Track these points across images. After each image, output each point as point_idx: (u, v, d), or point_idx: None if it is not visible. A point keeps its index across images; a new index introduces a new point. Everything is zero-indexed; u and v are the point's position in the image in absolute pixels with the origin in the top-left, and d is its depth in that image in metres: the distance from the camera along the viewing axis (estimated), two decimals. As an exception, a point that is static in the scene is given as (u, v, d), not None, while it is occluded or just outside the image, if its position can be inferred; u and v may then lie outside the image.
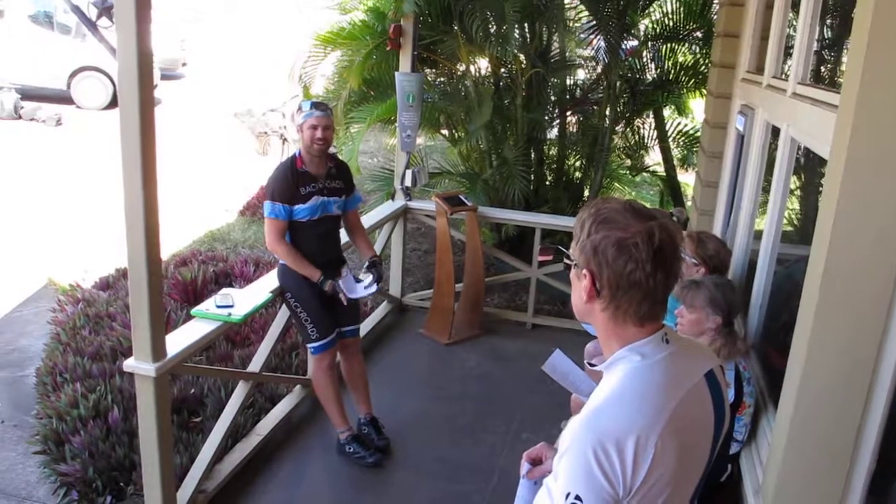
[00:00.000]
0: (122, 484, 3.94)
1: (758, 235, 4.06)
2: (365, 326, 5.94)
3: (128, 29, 2.78)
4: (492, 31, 7.05)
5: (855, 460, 2.26)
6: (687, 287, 3.34)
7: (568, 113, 8.30)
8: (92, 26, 11.77)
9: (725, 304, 3.26)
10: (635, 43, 8.02)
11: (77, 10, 12.31)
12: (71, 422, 4.26)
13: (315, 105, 4.08)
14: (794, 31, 3.69)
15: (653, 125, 8.65)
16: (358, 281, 4.34)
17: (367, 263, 4.38)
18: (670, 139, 8.60)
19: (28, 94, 14.78)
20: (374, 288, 4.33)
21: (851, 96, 2.08)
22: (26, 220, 8.71)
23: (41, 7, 15.98)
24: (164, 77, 17.34)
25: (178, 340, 3.48)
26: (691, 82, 8.09)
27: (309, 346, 4.28)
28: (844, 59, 2.98)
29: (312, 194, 4.07)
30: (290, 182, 4.02)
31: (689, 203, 7.59)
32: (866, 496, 2.27)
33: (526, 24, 7.48)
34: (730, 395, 3.10)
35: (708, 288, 3.29)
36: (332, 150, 4.33)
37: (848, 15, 3.03)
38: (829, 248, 2.15)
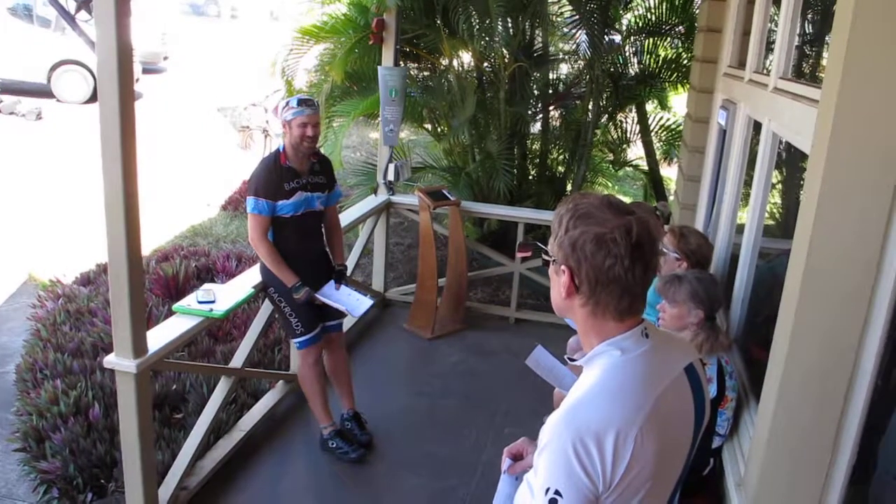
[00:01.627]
0: (103, 481, 3.92)
1: (740, 229, 4.08)
2: (348, 321, 5.89)
3: (107, 22, 2.76)
4: (475, 25, 7.04)
5: (836, 452, 2.28)
6: (669, 282, 3.35)
7: (551, 107, 8.32)
8: (70, 20, 11.66)
9: (707, 298, 3.27)
10: (617, 38, 8.03)
11: (55, 2, 12.18)
12: (51, 419, 4.22)
13: (303, 102, 4.03)
14: (776, 25, 3.70)
15: (635, 119, 8.68)
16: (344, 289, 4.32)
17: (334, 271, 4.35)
18: (652, 133, 8.62)
19: (7, 88, 14.62)
20: (361, 305, 4.29)
21: (832, 91, 2.08)
22: (6, 215, 8.63)
23: (20, 0, 15.82)
24: (145, 71, 17.19)
25: (160, 336, 3.47)
26: (673, 77, 8.13)
27: (294, 341, 4.27)
28: (825, 54, 2.99)
29: (296, 190, 4.05)
30: (274, 178, 3.99)
31: (671, 197, 7.62)
32: (847, 488, 2.28)
33: (509, 19, 7.47)
34: (712, 389, 3.11)
35: (690, 283, 3.30)
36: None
37: (829, 10, 3.04)
38: (811, 241, 2.16)
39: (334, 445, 4.32)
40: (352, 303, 4.25)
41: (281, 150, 4.08)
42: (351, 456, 4.28)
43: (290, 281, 4.06)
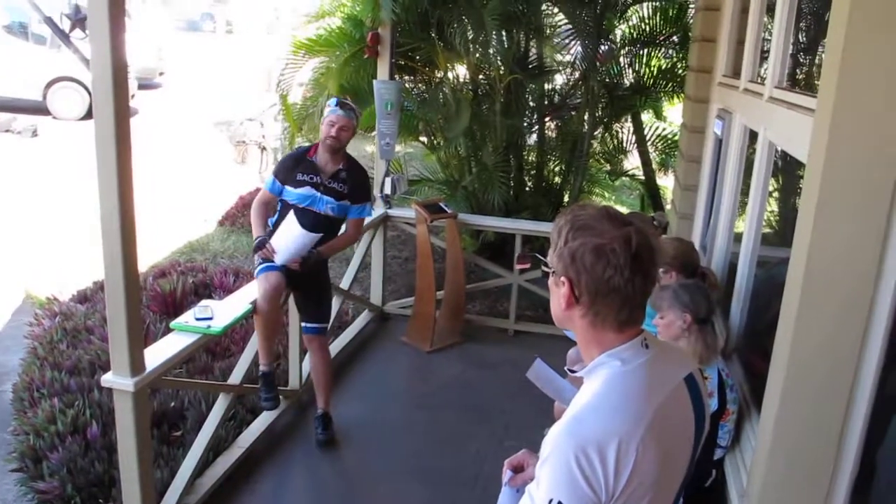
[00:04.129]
0: (101, 500, 3.88)
1: (737, 238, 4.08)
2: (346, 335, 5.94)
3: (101, 39, 2.76)
4: (470, 37, 7.05)
5: (839, 461, 2.27)
6: (655, 294, 3.34)
7: (547, 118, 8.33)
8: (65, 38, 11.69)
9: (691, 301, 3.23)
10: (606, 48, 8.03)
11: (50, 21, 12.21)
12: (49, 438, 4.19)
13: (340, 104, 4.25)
14: (770, 34, 3.71)
15: (631, 129, 8.69)
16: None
17: None
18: (649, 143, 8.64)
19: (3, 106, 14.64)
20: (298, 233, 4.14)
21: (828, 100, 2.08)
22: (2, 233, 8.61)
23: (16, 17, 15.87)
24: (141, 87, 17.23)
25: (157, 354, 3.44)
26: (669, 87, 8.14)
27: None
28: (820, 62, 3.00)
29: (305, 184, 4.17)
30: (291, 163, 4.26)
31: (668, 207, 7.62)
32: (850, 497, 2.27)
33: (504, 31, 7.49)
34: (713, 403, 3.10)
35: (673, 289, 3.30)
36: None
37: (823, 18, 3.05)
38: (809, 250, 2.16)
39: (259, 384, 4.33)
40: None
41: (318, 143, 4.28)
42: (262, 403, 4.35)
43: (258, 235, 4.21)
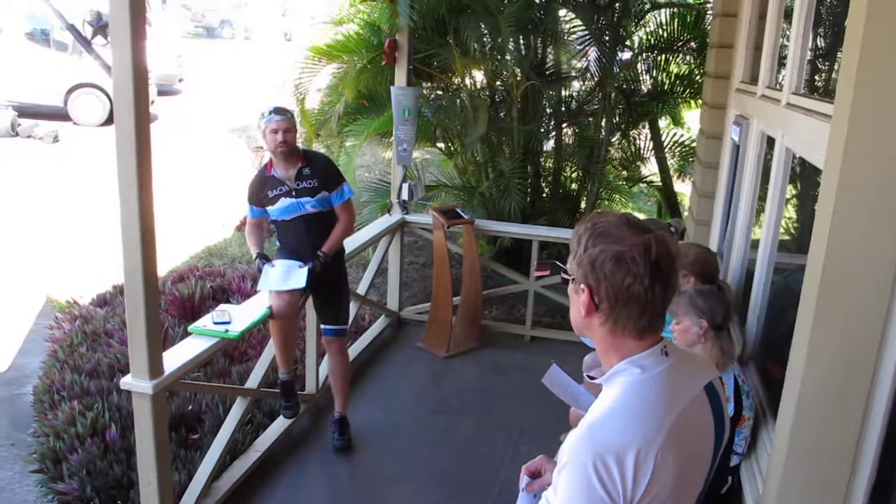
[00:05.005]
0: (119, 502, 3.92)
1: (755, 245, 4.06)
2: (363, 340, 5.95)
3: (123, 46, 2.79)
4: (487, 44, 7.05)
5: (855, 469, 2.26)
6: (672, 301, 3.32)
7: (564, 125, 8.31)
8: (87, 44, 11.79)
9: (707, 307, 3.22)
10: (628, 55, 8.02)
11: (72, 28, 12.32)
12: (68, 440, 4.23)
13: (275, 110, 4.20)
14: (788, 40, 3.70)
15: (648, 136, 8.66)
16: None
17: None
18: (666, 150, 8.60)
19: (25, 112, 14.79)
20: (287, 280, 4.16)
21: (845, 106, 2.08)
22: (24, 237, 8.70)
23: (38, 24, 16.03)
24: (160, 93, 17.36)
25: (176, 357, 3.48)
26: (686, 93, 8.11)
27: None
28: (838, 68, 2.99)
29: (279, 197, 4.20)
30: (258, 186, 4.26)
31: (685, 213, 7.59)
32: (867, 505, 2.26)
33: (521, 37, 7.49)
34: (729, 409, 3.08)
35: (689, 295, 3.28)
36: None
37: (840, 24, 3.04)
38: (826, 257, 2.15)
39: (279, 392, 4.42)
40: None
41: (271, 159, 4.28)
42: (282, 411, 4.47)
43: (254, 253, 4.34)
